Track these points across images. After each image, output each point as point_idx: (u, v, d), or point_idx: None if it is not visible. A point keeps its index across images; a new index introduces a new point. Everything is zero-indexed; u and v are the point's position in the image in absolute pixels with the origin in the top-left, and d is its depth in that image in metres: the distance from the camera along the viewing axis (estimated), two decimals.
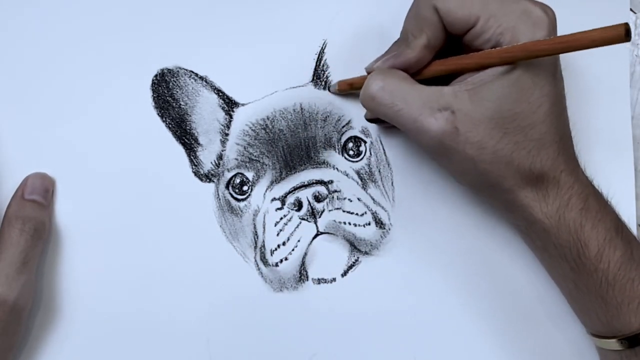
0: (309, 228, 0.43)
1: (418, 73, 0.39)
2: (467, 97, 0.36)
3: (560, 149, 0.37)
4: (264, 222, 0.43)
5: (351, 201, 0.43)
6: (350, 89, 0.43)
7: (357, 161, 0.44)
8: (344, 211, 0.43)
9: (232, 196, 0.43)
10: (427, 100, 0.37)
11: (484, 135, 0.36)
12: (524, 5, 0.36)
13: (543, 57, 0.36)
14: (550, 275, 0.41)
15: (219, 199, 0.44)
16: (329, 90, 0.44)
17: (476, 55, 0.37)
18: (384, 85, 0.38)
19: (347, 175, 0.44)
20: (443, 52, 0.39)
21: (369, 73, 0.40)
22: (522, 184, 0.37)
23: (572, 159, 0.39)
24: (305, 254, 0.43)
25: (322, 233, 0.43)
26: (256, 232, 0.43)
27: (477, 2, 0.37)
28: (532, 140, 0.37)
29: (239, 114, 0.44)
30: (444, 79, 0.39)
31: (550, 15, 0.37)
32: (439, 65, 0.39)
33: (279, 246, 0.43)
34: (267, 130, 0.44)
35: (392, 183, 0.44)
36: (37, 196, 0.41)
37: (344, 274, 0.43)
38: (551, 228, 0.38)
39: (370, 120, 0.43)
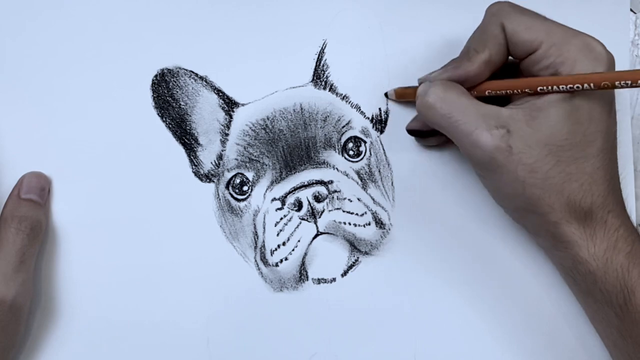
0: (309, 228, 0.43)
1: (472, 89, 0.40)
2: (524, 120, 0.37)
3: (610, 189, 0.37)
4: (264, 222, 0.43)
5: (351, 201, 0.43)
6: (404, 98, 0.43)
7: (357, 161, 0.44)
8: (344, 211, 0.43)
9: (232, 196, 0.43)
10: (485, 116, 0.37)
11: (537, 158, 0.36)
12: (587, 40, 0.37)
13: (602, 94, 0.36)
14: (591, 321, 0.41)
15: (219, 199, 0.43)
16: (386, 96, 0.44)
17: (534, 80, 0.37)
18: (444, 96, 0.38)
19: (347, 175, 0.44)
20: (497, 76, 0.40)
21: (420, 84, 0.41)
22: (569, 218, 0.37)
23: (620, 201, 0.38)
24: (305, 254, 0.43)
25: (322, 233, 0.43)
26: (256, 232, 0.43)
27: (543, 29, 0.37)
28: (585, 173, 0.37)
29: (239, 114, 0.44)
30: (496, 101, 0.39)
31: (609, 54, 0.37)
32: (494, 84, 0.39)
33: (279, 246, 0.43)
34: (267, 130, 0.43)
35: (392, 183, 0.44)
36: (33, 195, 0.41)
37: (344, 274, 0.43)
38: (598, 271, 0.37)
39: (410, 131, 0.43)
